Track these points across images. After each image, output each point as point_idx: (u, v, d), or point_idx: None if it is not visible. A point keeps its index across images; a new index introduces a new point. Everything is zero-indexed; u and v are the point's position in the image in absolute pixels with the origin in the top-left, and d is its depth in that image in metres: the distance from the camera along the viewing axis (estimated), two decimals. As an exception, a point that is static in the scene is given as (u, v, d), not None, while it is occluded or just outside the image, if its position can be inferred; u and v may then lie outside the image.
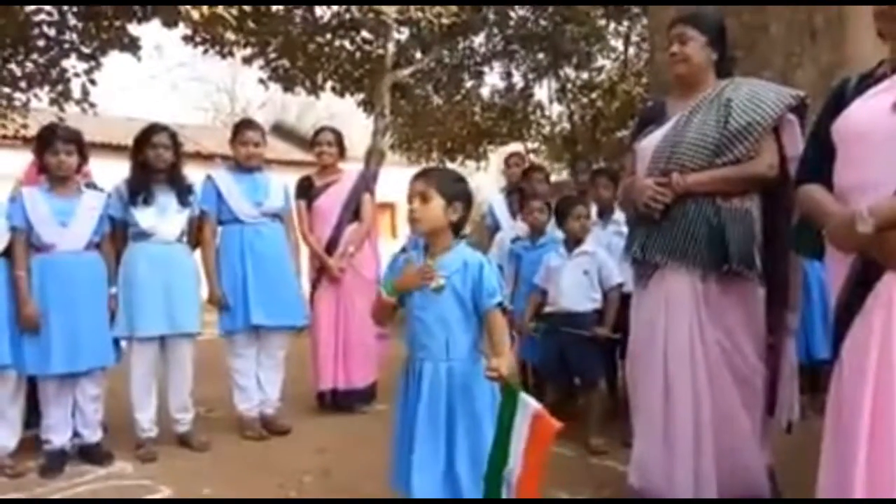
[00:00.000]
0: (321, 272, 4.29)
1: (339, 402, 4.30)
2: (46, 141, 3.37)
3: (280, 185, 4.03)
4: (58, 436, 3.38)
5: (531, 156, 10.69)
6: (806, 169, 1.97)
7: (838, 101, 1.86)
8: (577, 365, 3.61)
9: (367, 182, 4.56)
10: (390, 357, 4.28)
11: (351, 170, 4.56)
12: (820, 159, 1.87)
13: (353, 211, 4.35)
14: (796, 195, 1.97)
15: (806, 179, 1.93)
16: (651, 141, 2.62)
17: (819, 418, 1.97)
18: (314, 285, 4.30)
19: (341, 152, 4.41)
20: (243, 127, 4.00)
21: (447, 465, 2.09)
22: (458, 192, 2.20)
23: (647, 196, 2.51)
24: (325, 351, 4.26)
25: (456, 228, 2.21)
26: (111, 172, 4.06)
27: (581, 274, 3.60)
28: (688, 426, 2.39)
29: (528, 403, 1.91)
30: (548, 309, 3.69)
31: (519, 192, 4.71)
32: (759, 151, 2.46)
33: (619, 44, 11.63)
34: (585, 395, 3.69)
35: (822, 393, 3.28)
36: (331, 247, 4.27)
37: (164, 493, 3.06)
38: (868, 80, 1.83)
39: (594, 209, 4.19)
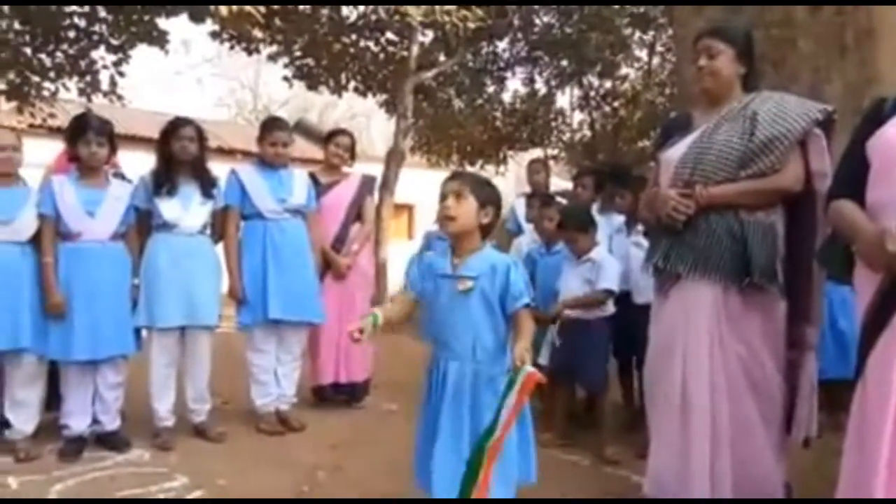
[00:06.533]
0: (326, 268, 4.31)
1: (339, 395, 4.39)
2: (79, 131, 3.42)
3: (304, 181, 4.05)
4: (77, 422, 3.42)
5: (551, 162, 10.64)
6: (839, 185, 1.97)
7: (876, 118, 1.86)
8: (579, 373, 3.62)
9: (370, 186, 4.67)
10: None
11: (355, 172, 4.62)
12: (854, 176, 1.87)
13: (356, 213, 4.47)
14: (829, 210, 1.97)
15: (839, 195, 1.92)
16: (675, 151, 2.62)
17: (836, 436, 1.96)
18: None
19: (351, 156, 4.52)
20: (273, 127, 4.01)
21: None
22: (491, 197, 2.23)
23: (670, 207, 2.51)
24: (328, 346, 4.31)
25: (484, 233, 2.22)
26: (135, 164, 4.12)
27: (583, 282, 3.61)
28: (705, 437, 2.38)
29: (525, 370, 1.94)
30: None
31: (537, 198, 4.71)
32: (785, 165, 2.45)
33: (643, 53, 11.58)
34: (595, 405, 3.69)
35: (840, 411, 3.27)
36: (337, 244, 4.35)
37: (181, 481, 3.10)
38: None
39: (618, 218, 4.18)
